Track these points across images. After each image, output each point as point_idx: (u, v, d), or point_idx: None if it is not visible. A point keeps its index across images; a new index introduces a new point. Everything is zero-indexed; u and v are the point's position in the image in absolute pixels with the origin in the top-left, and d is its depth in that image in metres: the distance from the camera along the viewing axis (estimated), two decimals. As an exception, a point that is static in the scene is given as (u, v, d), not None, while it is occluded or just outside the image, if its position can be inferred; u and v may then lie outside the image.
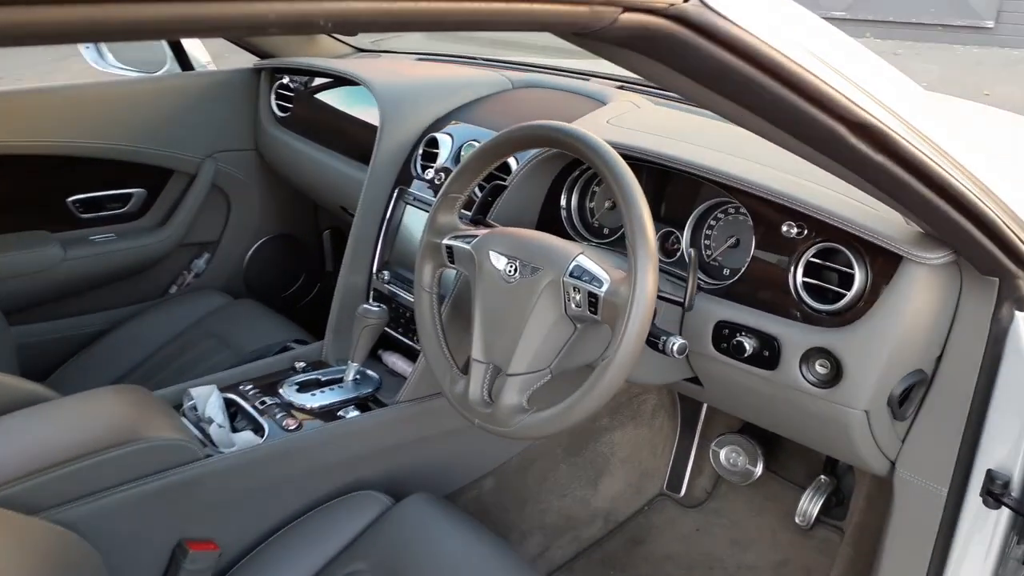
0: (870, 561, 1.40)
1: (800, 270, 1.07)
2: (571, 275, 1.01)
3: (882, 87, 0.68)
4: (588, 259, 1.01)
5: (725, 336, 1.11)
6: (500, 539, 1.27)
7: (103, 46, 2.10)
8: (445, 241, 1.17)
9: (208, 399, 1.34)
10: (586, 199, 1.35)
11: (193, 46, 2.12)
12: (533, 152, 1.30)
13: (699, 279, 1.17)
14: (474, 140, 1.52)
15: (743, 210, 1.16)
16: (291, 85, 2.01)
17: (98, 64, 2.08)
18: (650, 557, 1.71)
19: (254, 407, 1.39)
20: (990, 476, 1.03)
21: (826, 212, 1.00)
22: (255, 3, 0.38)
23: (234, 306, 1.95)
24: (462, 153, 1.53)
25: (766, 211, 1.11)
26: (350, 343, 1.46)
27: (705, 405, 1.80)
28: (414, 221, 1.57)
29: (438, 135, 1.57)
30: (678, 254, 1.23)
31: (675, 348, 1.02)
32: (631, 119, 1.38)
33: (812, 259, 1.07)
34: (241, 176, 2.11)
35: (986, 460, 1.04)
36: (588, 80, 1.69)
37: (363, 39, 2.21)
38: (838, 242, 1.04)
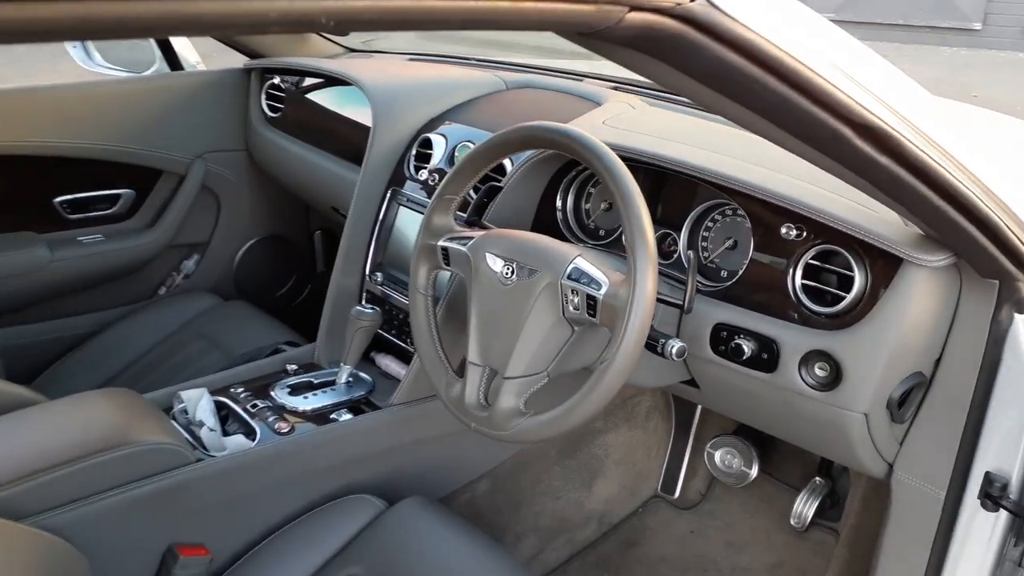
0: (866, 563, 1.40)
1: (799, 272, 1.07)
2: (569, 277, 1.00)
3: (887, 89, 0.68)
4: (586, 261, 1.00)
5: (723, 339, 1.11)
6: (494, 542, 1.26)
7: (91, 46, 2.08)
8: (440, 243, 1.16)
9: (199, 402, 1.33)
10: (582, 200, 1.34)
11: (182, 46, 2.09)
12: (528, 153, 1.29)
13: (697, 281, 1.17)
14: (468, 141, 1.50)
15: (741, 212, 1.15)
16: (282, 85, 1.99)
17: (86, 64, 2.06)
18: (644, 559, 1.71)
19: (245, 410, 1.37)
20: (988, 479, 1.03)
21: (826, 214, 0.99)
22: (256, 1, 0.37)
23: (224, 308, 1.94)
24: (456, 154, 1.52)
25: (765, 213, 1.10)
26: (343, 345, 1.45)
27: (700, 407, 1.80)
28: (407, 222, 1.56)
29: (432, 136, 1.56)
30: (675, 256, 1.22)
31: (674, 351, 1.01)
32: (627, 120, 1.37)
33: (811, 261, 1.07)
34: (231, 177, 2.09)
35: (984, 463, 1.03)
36: (582, 81, 1.68)
37: (354, 39, 2.19)
38: (837, 244, 1.04)
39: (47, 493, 1.06)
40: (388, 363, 1.54)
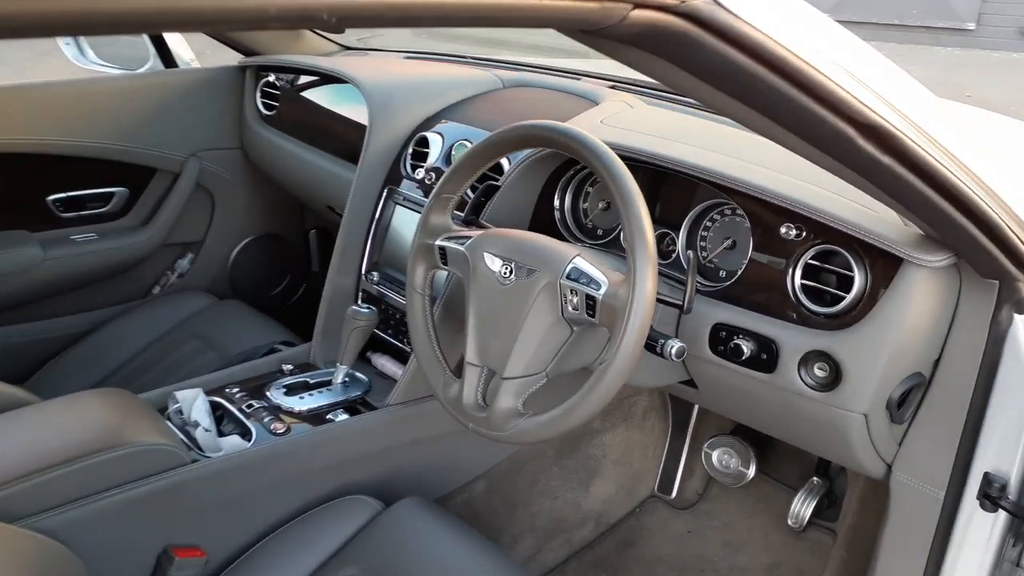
0: (863, 563, 1.40)
1: (799, 272, 1.06)
2: (568, 277, 0.99)
3: (890, 88, 0.67)
4: (585, 261, 1.00)
5: (722, 339, 1.10)
6: (491, 543, 1.25)
7: (84, 43, 2.06)
8: (438, 242, 1.15)
9: (194, 402, 1.32)
10: (579, 200, 1.34)
11: (176, 43, 2.08)
12: (526, 152, 1.29)
13: (696, 281, 1.16)
14: (465, 140, 1.50)
15: (740, 212, 1.15)
16: (277, 83, 1.98)
17: (79, 61, 2.04)
18: (641, 559, 1.70)
19: (241, 410, 1.36)
20: (987, 479, 1.03)
21: (827, 214, 0.99)
22: (256, -5, 0.36)
23: (219, 307, 1.92)
24: (453, 153, 1.51)
25: (764, 213, 1.10)
26: (338, 345, 1.44)
27: (697, 407, 1.80)
28: (404, 221, 1.55)
29: (428, 134, 1.55)
30: (673, 256, 1.22)
31: (673, 351, 1.01)
32: (625, 119, 1.36)
33: (810, 261, 1.06)
34: (226, 175, 2.08)
35: (983, 463, 1.03)
36: (580, 79, 1.68)
37: (350, 37, 2.18)
38: (837, 244, 1.03)
39: (41, 495, 1.05)
40: (384, 363, 1.53)
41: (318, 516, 1.28)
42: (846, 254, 1.03)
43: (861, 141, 0.68)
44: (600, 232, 1.31)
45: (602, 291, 0.96)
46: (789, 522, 1.55)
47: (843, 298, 1.02)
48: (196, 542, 1.19)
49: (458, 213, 1.22)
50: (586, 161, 1.01)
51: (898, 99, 0.68)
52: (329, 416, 1.38)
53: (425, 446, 1.47)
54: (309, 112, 1.90)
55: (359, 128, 1.66)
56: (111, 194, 1.93)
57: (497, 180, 1.32)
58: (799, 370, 1.05)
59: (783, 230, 1.08)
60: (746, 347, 1.08)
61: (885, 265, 0.99)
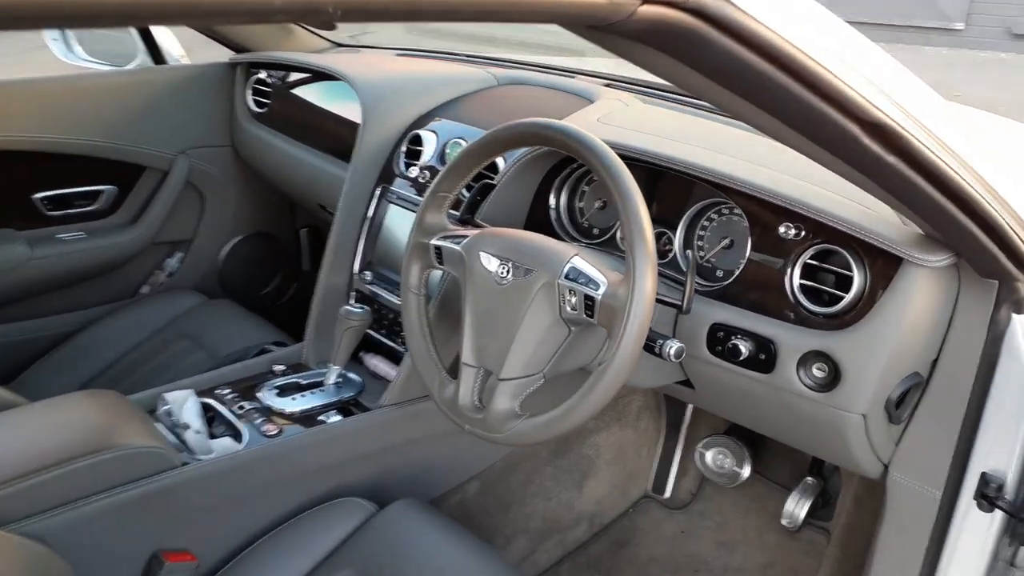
0: (858, 563, 1.40)
1: (797, 272, 1.06)
2: (566, 277, 0.98)
3: (898, 88, 0.66)
4: (583, 261, 0.99)
5: (720, 339, 1.09)
6: (486, 544, 1.24)
7: (71, 38, 2.04)
8: (434, 241, 1.14)
9: (184, 404, 1.30)
10: (575, 199, 1.33)
11: (165, 39, 2.06)
12: (522, 150, 1.28)
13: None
14: (460, 138, 1.48)
15: (738, 211, 1.14)
16: (268, 80, 1.96)
17: (66, 57, 2.02)
18: (635, 560, 1.70)
19: (232, 412, 1.34)
20: (984, 479, 1.03)
21: (827, 214, 0.98)
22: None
23: (209, 306, 1.90)
24: (447, 151, 1.49)
25: (763, 212, 1.09)
26: (331, 345, 1.43)
27: (690, 406, 1.79)
28: (397, 220, 1.53)
29: (422, 132, 1.54)
30: (671, 255, 1.21)
31: (672, 352, 1.00)
32: (621, 117, 1.35)
33: (809, 261, 1.06)
34: (216, 173, 2.05)
35: (980, 463, 1.03)
36: (574, 77, 1.67)
37: (341, 34, 2.16)
38: (836, 244, 1.03)
39: (28, 498, 1.03)
40: (377, 363, 1.51)
41: (311, 519, 1.27)
42: (845, 254, 1.02)
43: (866, 140, 0.67)
44: (596, 231, 1.30)
45: (601, 291, 0.95)
46: (783, 522, 1.55)
47: (842, 298, 1.02)
48: (187, 546, 1.17)
49: (453, 212, 1.20)
50: (585, 160, 1.00)
51: (904, 98, 0.67)
52: (322, 417, 1.36)
53: (418, 447, 1.46)
54: (301, 109, 1.88)
55: (351, 126, 1.65)
56: (99, 192, 1.91)
57: (493, 179, 1.31)
58: (798, 370, 1.04)
59: (782, 230, 1.07)
60: (744, 347, 1.07)
61: (884, 265, 0.99)
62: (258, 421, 1.32)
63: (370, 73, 1.68)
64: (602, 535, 1.74)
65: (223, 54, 2.06)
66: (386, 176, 1.57)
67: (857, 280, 1.01)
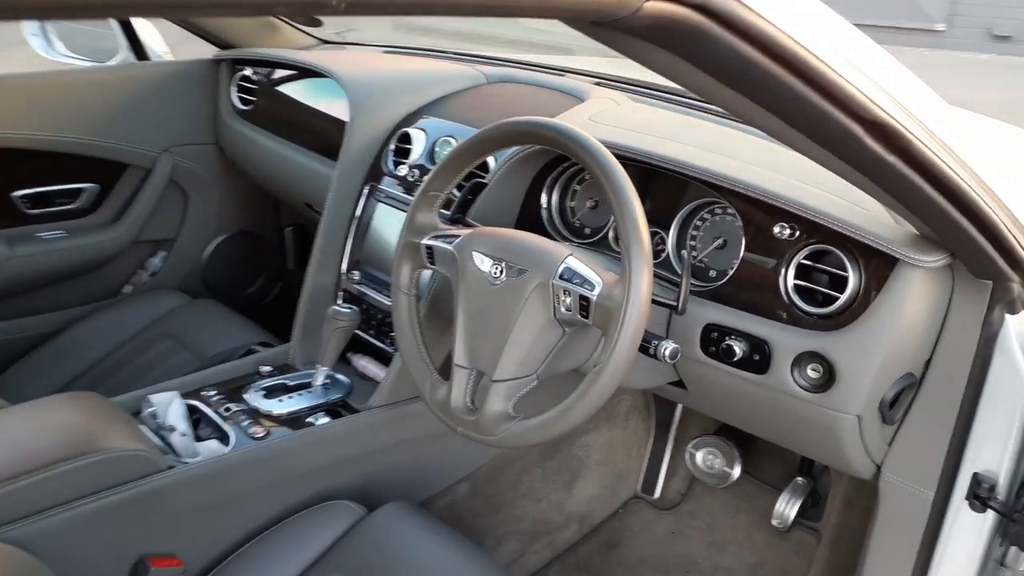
0: (848, 563, 1.40)
1: (791, 272, 1.05)
2: (561, 277, 0.97)
3: (900, 88, 0.66)
4: (578, 261, 0.98)
5: (714, 339, 1.09)
6: (476, 547, 1.23)
7: (52, 34, 2.00)
8: (425, 241, 1.13)
9: (169, 406, 1.28)
10: (566, 198, 1.32)
11: (148, 35, 2.02)
12: (513, 149, 1.26)
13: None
14: (449, 136, 1.47)
15: (731, 211, 1.13)
16: (253, 77, 1.93)
17: (47, 53, 1.98)
18: (625, 561, 1.69)
19: (218, 414, 1.32)
20: (976, 479, 1.03)
21: (823, 214, 0.98)
22: (261, -22, 0.34)
23: (193, 306, 1.88)
24: (436, 149, 1.48)
25: (757, 212, 1.09)
26: (318, 346, 1.41)
27: (680, 406, 1.79)
28: (386, 219, 1.52)
29: (411, 130, 1.52)
30: (663, 255, 1.20)
31: (667, 353, 0.99)
32: (612, 116, 1.35)
33: (803, 261, 1.05)
34: (200, 171, 2.03)
35: (973, 463, 1.03)
36: (564, 76, 1.65)
37: (327, 30, 2.14)
38: (831, 244, 1.02)
39: (10, 504, 1.01)
40: (366, 364, 1.50)
41: (299, 522, 1.25)
42: (840, 254, 1.02)
43: (868, 139, 0.67)
44: (588, 231, 1.29)
45: (596, 292, 0.94)
46: (774, 522, 1.54)
47: (836, 298, 1.01)
48: (173, 551, 1.15)
49: (443, 212, 1.19)
50: (579, 159, 0.99)
51: (906, 98, 0.67)
52: (310, 419, 1.35)
53: (408, 449, 1.45)
54: (287, 107, 1.86)
55: (339, 123, 1.63)
56: (80, 190, 1.88)
57: (484, 177, 1.30)
58: (792, 371, 1.04)
59: (776, 230, 1.06)
60: (738, 348, 1.06)
61: (879, 265, 0.98)
62: (245, 423, 1.30)
63: (358, 70, 1.66)
64: (592, 536, 1.73)
65: (207, 50, 2.03)
66: (374, 174, 1.55)
67: (852, 280, 1.01)
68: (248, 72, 1.94)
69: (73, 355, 1.74)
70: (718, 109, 1.37)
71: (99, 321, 1.82)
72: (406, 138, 1.52)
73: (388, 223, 1.51)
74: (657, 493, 1.80)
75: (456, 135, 1.46)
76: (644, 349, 1.00)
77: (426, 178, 1.16)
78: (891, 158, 0.70)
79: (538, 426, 0.96)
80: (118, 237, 1.92)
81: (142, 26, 2.02)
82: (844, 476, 1.50)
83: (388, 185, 1.52)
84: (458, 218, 1.22)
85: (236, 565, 1.19)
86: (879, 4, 7.99)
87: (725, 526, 1.71)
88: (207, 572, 1.19)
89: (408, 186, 1.48)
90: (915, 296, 0.96)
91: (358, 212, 1.54)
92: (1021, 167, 0.99)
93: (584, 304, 0.95)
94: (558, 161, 1.29)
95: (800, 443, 1.21)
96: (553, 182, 1.31)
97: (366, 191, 1.54)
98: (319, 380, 1.41)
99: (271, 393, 1.39)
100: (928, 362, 1.04)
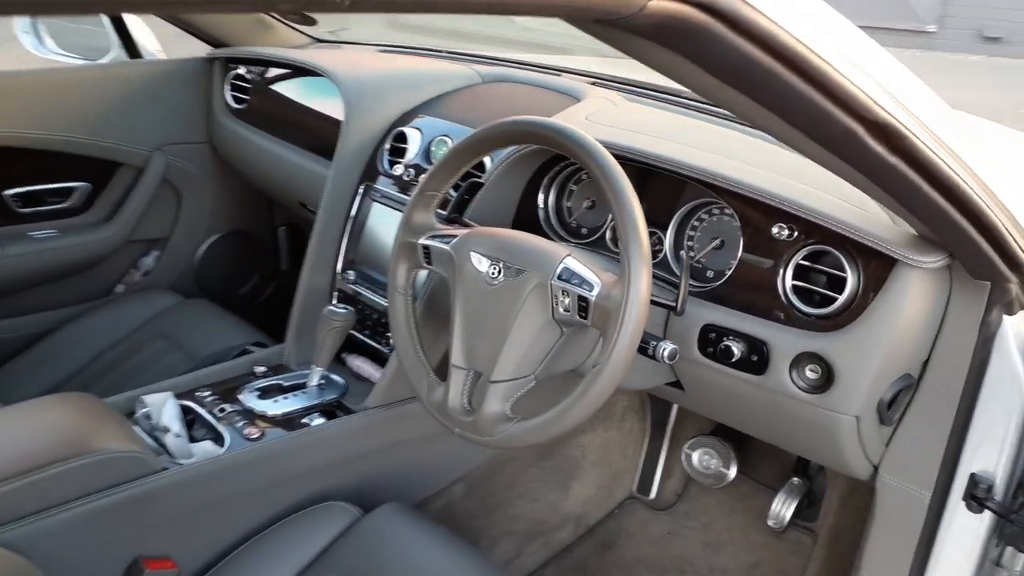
0: (844, 563, 1.40)
1: (790, 273, 1.05)
2: (559, 278, 0.97)
3: (902, 88, 0.66)
4: (576, 261, 0.97)
5: (712, 340, 1.08)
6: (472, 548, 1.23)
7: (43, 31, 1.99)
8: (422, 241, 1.12)
9: (163, 406, 1.26)
10: (563, 198, 1.31)
11: (141, 33, 2.01)
12: (510, 149, 1.26)
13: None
14: (445, 135, 1.46)
15: (729, 211, 1.13)
16: (247, 76, 1.92)
17: (38, 50, 1.97)
18: (621, 561, 1.69)
19: (212, 414, 1.31)
20: (973, 480, 1.03)
21: (821, 215, 0.98)
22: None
23: (186, 306, 1.86)
24: (432, 148, 1.47)
25: (755, 213, 1.08)
26: (313, 346, 1.40)
27: (675, 406, 1.78)
28: (381, 219, 1.51)
29: (406, 130, 1.51)
30: (660, 255, 1.20)
31: (666, 354, 0.99)
32: (609, 116, 1.34)
33: (801, 262, 1.05)
34: (193, 170, 2.01)
35: (970, 464, 1.03)
36: (560, 75, 1.65)
37: (321, 29, 2.13)
38: (830, 245, 1.02)
39: (2, 506, 1.00)
40: (361, 365, 1.49)
41: (294, 524, 1.24)
42: (838, 255, 1.02)
43: (870, 140, 0.66)
44: (584, 231, 1.29)
45: (595, 292, 0.94)
46: (770, 523, 1.54)
47: (834, 299, 1.01)
48: (167, 552, 1.14)
49: (440, 212, 1.18)
50: (578, 159, 0.99)
51: (908, 99, 0.67)
52: (305, 420, 1.34)
53: (403, 450, 1.44)
54: (281, 106, 1.84)
55: (333, 123, 1.62)
56: (72, 189, 1.86)
57: (480, 177, 1.29)
58: (790, 372, 1.03)
59: (775, 230, 1.06)
60: (736, 348, 1.06)
61: (878, 266, 0.98)
62: (240, 424, 1.29)
63: (353, 69, 1.66)
64: (588, 537, 1.73)
65: (199, 49, 2.01)
66: (369, 174, 1.54)
67: (851, 281, 1.00)
68: (242, 71, 1.93)
69: (65, 355, 1.72)
70: (715, 109, 1.37)
71: (91, 321, 1.80)
72: (402, 137, 1.52)
73: (383, 223, 1.50)
74: (653, 493, 1.79)
75: (452, 134, 1.45)
76: (643, 350, 1.00)
77: (423, 178, 1.15)
78: (893, 159, 0.69)
79: (536, 427, 0.96)
80: (110, 236, 1.91)
81: (134, 24, 2.00)
82: (840, 476, 1.50)
83: (383, 184, 1.51)
84: (455, 218, 1.22)
85: (231, 567, 1.18)
86: (871, 5, 8.01)
87: (721, 526, 1.71)
88: (202, 574, 1.18)
89: (404, 185, 1.48)
90: (914, 297, 0.96)
91: (353, 212, 1.53)
92: (1019, 169, 0.99)
93: (583, 305, 0.95)
94: (555, 161, 1.29)
95: (797, 444, 1.21)
96: (550, 182, 1.31)
97: (361, 190, 1.53)
98: (314, 381, 1.40)
99: (266, 394, 1.38)
100: (926, 363, 1.04)
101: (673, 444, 1.79)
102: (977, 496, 1.04)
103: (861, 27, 0.65)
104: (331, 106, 1.69)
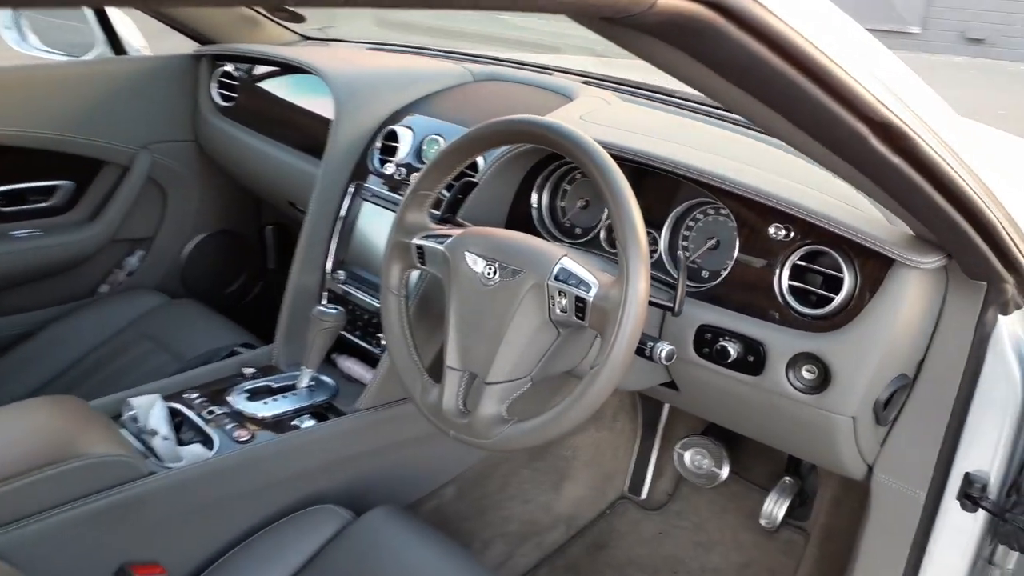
0: (837, 563, 1.40)
1: (786, 273, 1.05)
2: (556, 278, 0.96)
3: (906, 89, 0.65)
4: (573, 262, 0.96)
5: (708, 341, 1.08)
6: (464, 550, 1.22)
7: (25, 27, 1.95)
8: (415, 241, 1.11)
9: (151, 409, 1.24)
10: (556, 198, 1.30)
11: (126, 29, 1.98)
12: (503, 148, 1.25)
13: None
14: (437, 134, 1.45)
15: (724, 211, 1.12)
16: (235, 73, 1.89)
17: (20, 47, 1.93)
18: (613, 562, 1.68)
19: (201, 417, 1.29)
20: (968, 479, 1.03)
21: (819, 215, 0.97)
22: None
23: (172, 307, 1.84)
24: (423, 147, 1.46)
25: (750, 213, 1.08)
26: (302, 347, 1.38)
27: (667, 406, 1.78)
28: (371, 218, 1.49)
29: (397, 128, 1.50)
30: (656, 256, 1.19)
31: (663, 355, 0.98)
32: (604, 116, 1.33)
33: (797, 262, 1.05)
34: (179, 168, 1.99)
35: (964, 463, 1.04)
36: (552, 74, 1.64)
37: (310, 26, 2.11)
38: (826, 245, 1.02)
39: None
40: (351, 366, 1.47)
41: (285, 527, 1.22)
42: (835, 255, 1.01)
43: (874, 141, 0.66)
44: (578, 231, 1.28)
45: (592, 293, 0.93)
46: (762, 522, 1.54)
47: (831, 299, 1.01)
48: (156, 558, 1.12)
49: (433, 212, 1.17)
50: (576, 159, 0.98)
51: (912, 99, 0.66)
52: (295, 422, 1.32)
53: (395, 452, 1.43)
54: (269, 104, 1.82)
55: (323, 121, 1.60)
56: (55, 187, 1.83)
57: (474, 176, 1.28)
58: (787, 373, 1.03)
59: (771, 230, 1.06)
60: (732, 349, 1.06)
61: (875, 266, 0.98)
62: (229, 427, 1.27)
63: (343, 67, 1.64)
64: (579, 537, 1.72)
65: (186, 45, 1.99)
66: (360, 173, 1.52)
67: (848, 281, 1.00)
68: (229, 68, 1.90)
69: (49, 357, 1.69)
70: (709, 109, 1.37)
71: (75, 322, 1.77)
72: (392, 136, 1.50)
73: (374, 222, 1.49)
74: (644, 494, 1.79)
75: (443, 133, 1.44)
76: (640, 351, 0.99)
77: (416, 177, 1.14)
78: (896, 159, 0.69)
79: (533, 429, 0.95)
80: (95, 236, 1.88)
81: (119, 19, 1.97)
82: (832, 476, 1.50)
83: (374, 184, 1.50)
84: (448, 218, 1.21)
85: (221, 572, 1.17)
86: (856, 6, 8.04)
87: (713, 526, 1.70)
88: None
89: (394, 185, 1.46)
90: (911, 297, 0.96)
91: (343, 211, 1.52)
92: (1018, 172, 0.99)
93: (580, 306, 0.94)
94: (548, 160, 1.28)
95: (792, 444, 1.21)
96: (543, 181, 1.30)
97: (351, 190, 1.52)
98: (304, 382, 1.38)
99: (255, 395, 1.36)
100: (921, 363, 1.04)
101: (664, 444, 1.78)
102: (971, 495, 1.04)
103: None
104: (320, 104, 1.67)
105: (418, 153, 1.46)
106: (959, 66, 7.99)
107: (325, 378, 1.42)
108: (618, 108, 1.42)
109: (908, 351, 1.01)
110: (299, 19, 2.05)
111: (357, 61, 1.76)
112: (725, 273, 1.11)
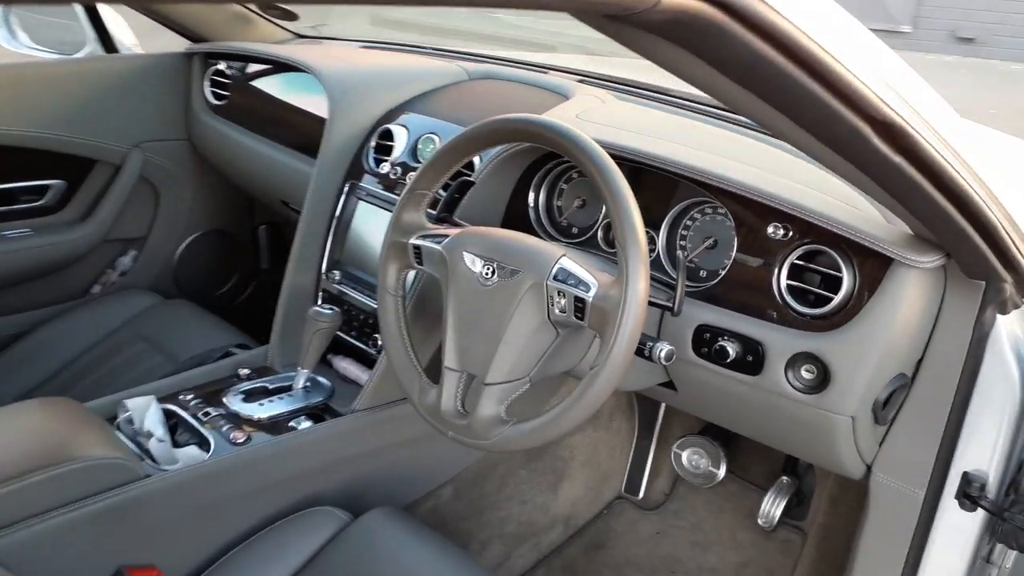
0: (834, 562, 1.40)
1: (784, 273, 1.05)
2: (555, 279, 0.95)
3: (908, 88, 0.65)
4: (572, 262, 0.96)
5: (706, 340, 1.08)
6: (462, 551, 1.21)
7: (15, 24, 1.93)
8: (412, 241, 1.10)
9: (146, 411, 1.23)
10: (553, 197, 1.30)
11: (117, 27, 1.96)
12: (500, 147, 1.24)
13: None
14: (432, 133, 1.44)
15: (722, 210, 1.12)
16: (227, 72, 1.88)
17: (9, 44, 1.92)
18: (611, 562, 1.68)
19: (197, 419, 1.28)
20: (967, 478, 1.03)
21: (817, 214, 0.97)
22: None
23: (166, 307, 1.82)
24: (418, 146, 1.45)
25: (749, 212, 1.07)
26: (298, 348, 1.37)
27: (663, 406, 1.78)
28: (367, 218, 1.48)
29: (392, 127, 1.49)
30: (653, 255, 1.19)
31: (662, 355, 0.98)
32: (600, 114, 1.33)
33: (795, 261, 1.04)
34: (171, 167, 1.97)
35: (963, 462, 1.04)
36: (547, 73, 1.63)
37: (303, 24, 2.10)
38: (825, 244, 1.02)
39: None
40: (347, 366, 1.46)
41: (282, 529, 1.22)
42: (834, 254, 1.01)
43: (876, 140, 0.66)
44: (575, 231, 1.28)
45: (591, 293, 0.92)
46: (760, 522, 1.54)
47: (830, 299, 1.01)
48: (152, 561, 1.11)
49: (429, 211, 1.16)
50: (574, 158, 0.97)
51: (913, 98, 0.66)
52: (291, 424, 1.31)
53: (392, 453, 1.42)
54: (263, 102, 1.81)
55: (317, 120, 1.59)
56: (46, 187, 1.81)
57: (470, 176, 1.27)
58: (786, 372, 1.03)
59: (770, 230, 1.05)
60: (731, 349, 1.05)
61: (874, 266, 0.98)
62: (225, 428, 1.26)
63: (337, 65, 1.63)
64: (577, 538, 1.72)
65: (178, 44, 1.97)
66: (354, 172, 1.51)
67: (847, 281, 1.00)
68: (222, 66, 1.89)
69: (41, 358, 1.68)
70: (705, 108, 1.37)
71: (68, 322, 1.76)
72: (387, 135, 1.49)
73: (369, 221, 1.48)
74: (641, 493, 1.79)
75: (439, 132, 1.43)
76: (639, 351, 0.99)
77: (413, 176, 1.13)
78: (897, 158, 0.69)
79: (532, 430, 0.94)
80: (86, 235, 1.86)
81: (110, 17, 1.96)
82: (829, 475, 1.50)
83: (369, 183, 1.49)
84: (445, 217, 1.20)
85: (218, 575, 1.16)
86: (847, 5, 8.07)
87: (710, 526, 1.70)
88: None
89: (390, 184, 1.45)
90: (909, 296, 0.95)
91: (338, 210, 1.51)
92: (1017, 172, 0.99)
93: (579, 306, 0.93)
94: (545, 159, 1.27)
95: (791, 444, 1.21)
96: (540, 181, 1.29)
97: (346, 189, 1.51)
98: (300, 383, 1.37)
99: (251, 397, 1.35)
100: (920, 362, 1.04)
101: (661, 444, 1.78)
102: (970, 494, 1.04)
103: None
104: (314, 103, 1.66)
105: (413, 152, 1.45)
106: (950, 65, 8.02)
107: (321, 379, 1.41)
108: (614, 107, 1.41)
109: (907, 350, 1.00)
110: (292, 17, 2.03)
111: (351, 59, 1.75)
112: (723, 273, 1.10)
